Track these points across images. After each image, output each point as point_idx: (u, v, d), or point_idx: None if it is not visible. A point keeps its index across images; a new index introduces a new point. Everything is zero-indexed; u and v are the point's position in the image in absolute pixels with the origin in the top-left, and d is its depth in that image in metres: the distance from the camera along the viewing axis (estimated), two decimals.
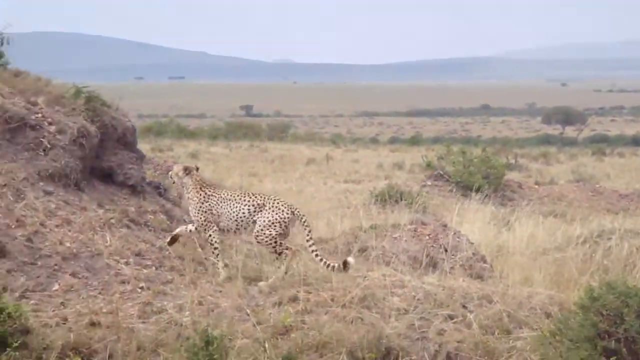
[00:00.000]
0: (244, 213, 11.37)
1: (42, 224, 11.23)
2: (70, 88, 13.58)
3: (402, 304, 10.21)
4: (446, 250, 13.11)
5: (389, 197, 20.39)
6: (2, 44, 16.12)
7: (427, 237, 13.48)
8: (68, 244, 11.06)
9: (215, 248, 11.48)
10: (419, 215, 16.14)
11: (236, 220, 11.40)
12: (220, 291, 10.57)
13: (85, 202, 12.29)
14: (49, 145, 12.54)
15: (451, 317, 9.94)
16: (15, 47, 15.94)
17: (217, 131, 70.35)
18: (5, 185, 11.60)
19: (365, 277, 10.96)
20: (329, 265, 11.22)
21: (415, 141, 72.55)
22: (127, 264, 11.15)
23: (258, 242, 11.35)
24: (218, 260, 11.47)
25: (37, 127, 12.66)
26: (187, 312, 9.83)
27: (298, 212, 11.37)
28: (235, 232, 11.55)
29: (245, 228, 11.42)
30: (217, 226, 11.53)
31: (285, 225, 11.30)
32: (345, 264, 11.22)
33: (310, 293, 10.43)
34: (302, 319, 9.72)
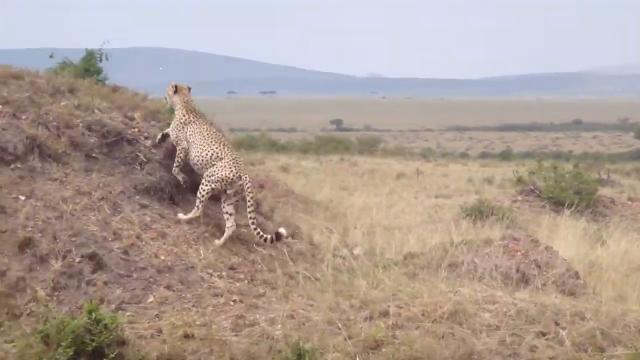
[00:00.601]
0: (205, 156, 12.40)
1: (137, 237, 11.46)
2: (166, 103, 13.83)
3: (494, 320, 10.18)
4: (538, 266, 13.02)
5: (480, 212, 20.31)
6: (100, 60, 16.52)
7: (519, 253, 13.40)
8: (163, 257, 11.27)
9: (178, 165, 12.64)
10: (510, 230, 16.06)
11: (197, 157, 12.48)
12: (312, 305, 10.66)
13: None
14: (144, 159, 12.80)
15: (543, 334, 9.88)
16: (113, 62, 16.32)
17: (307, 145, 70.65)
18: (102, 198, 11.86)
19: (456, 292, 10.96)
20: (262, 236, 12.24)
21: (505, 156, 71.95)
22: (220, 277, 11.31)
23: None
24: (177, 174, 12.64)
25: (134, 141, 12.93)
26: (279, 326, 9.93)
27: (245, 177, 12.35)
28: (194, 165, 12.58)
29: (200, 169, 12.50)
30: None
31: (226, 184, 12.30)
32: (277, 235, 12.30)
33: (401, 308, 10.45)
34: (393, 333, 9.76)
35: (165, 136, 13.01)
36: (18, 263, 10.61)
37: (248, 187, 12.31)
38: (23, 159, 11.95)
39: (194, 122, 12.69)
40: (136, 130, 13.19)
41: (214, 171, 12.33)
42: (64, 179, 12.00)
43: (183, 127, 12.70)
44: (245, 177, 12.35)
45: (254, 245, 12.48)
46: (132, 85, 15.11)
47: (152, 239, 11.60)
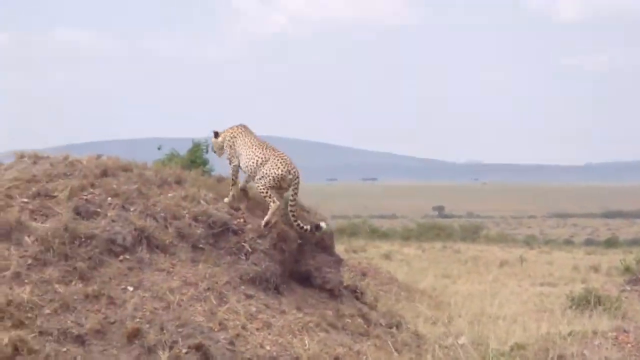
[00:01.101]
0: (251, 164, 13.48)
1: (243, 327, 11.52)
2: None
3: None
4: None
5: (587, 302, 19.92)
6: (206, 151, 16.81)
7: (629, 346, 13.07)
8: (268, 347, 11.30)
9: (233, 184, 13.85)
10: (620, 321, 15.69)
11: (246, 166, 13.59)
12: None
13: (284, 305, 12.55)
14: (250, 250, 12.93)
15: None
16: None
17: (409, 232, 70.34)
18: (208, 289, 11.99)
19: None
20: (301, 227, 13.25)
21: (611, 243, 70.55)
22: None
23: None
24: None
25: (239, 231, 13.08)
26: None
27: (294, 170, 13.33)
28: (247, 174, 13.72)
29: (251, 176, 13.56)
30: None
31: (278, 181, 13.26)
32: (317, 226, 13.36)
33: None
34: None
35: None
36: (127, 354, 10.73)
37: (295, 181, 13.28)
38: (131, 250, 12.17)
39: (236, 136, 13.80)
40: (241, 220, 13.35)
41: (265, 174, 13.26)
42: (171, 269, 12.18)
43: (229, 147, 13.91)
44: (295, 172, 13.32)
45: (359, 335, 12.43)
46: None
47: (258, 329, 11.65)
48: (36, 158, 13.83)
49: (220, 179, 14.75)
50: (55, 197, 12.64)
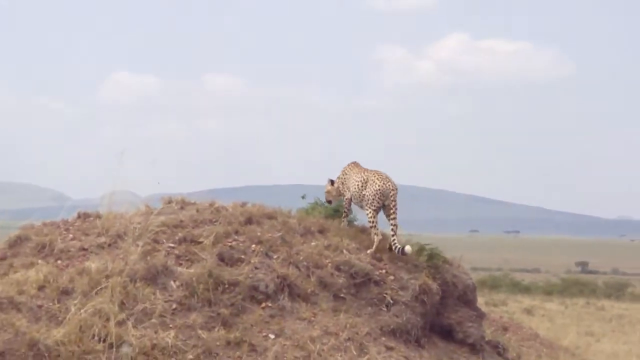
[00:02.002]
0: (354, 190, 14.19)
1: None
2: (414, 245, 13.93)
3: None
4: None
5: None
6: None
7: None
8: None
9: (345, 215, 14.63)
10: None
11: (352, 195, 14.31)
12: None
13: (425, 359, 12.43)
14: (391, 301, 12.88)
15: None
16: None
17: (552, 287, 68.98)
18: (349, 339, 11.96)
19: None
20: (395, 246, 13.56)
21: None
22: None
23: None
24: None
25: (381, 282, 13.06)
26: None
27: (392, 185, 13.84)
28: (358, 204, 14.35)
29: (359, 202, 14.18)
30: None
31: (380, 197, 13.81)
32: (403, 250, 13.48)
33: None
34: None
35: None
36: None
37: (392, 193, 13.79)
38: (274, 297, 12.26)
39: (347, 172, 14.57)
40: (383, 271, 13.33)
41: (367, 194, 13.78)
42: (313, 318, 12.20)
43: (342, 183, 14.63)
44: (391, 185, 13.84)
45: None
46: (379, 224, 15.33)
47: None
48: (183, 204, 14.10)
49: (363, 229, 14.75)
50: (200, 242, 12.84)
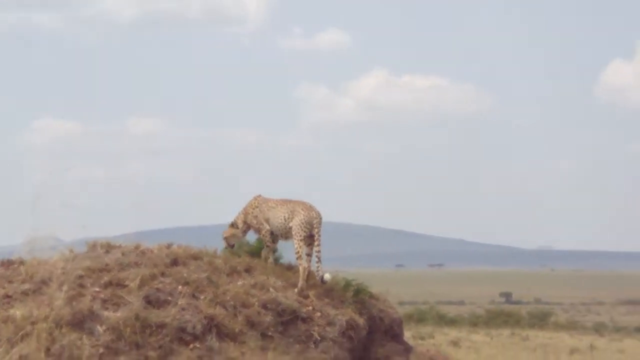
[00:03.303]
0: (279, 222, 14.46)
1: None
2: (340, 281, 14.04)
3: None
4: None
5: None
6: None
7: None
8: None
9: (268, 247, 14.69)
10: None
11: (276, 227, 14.53)
12: None
13: None
14: (319, 338, 12.94)
15: None
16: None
17: (477, 318, 69.53)
18: None
19: None
20: (319, 274, 13.82)
21: None
22: None
23: None
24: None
25: (308, 319, 13.12)
26: None
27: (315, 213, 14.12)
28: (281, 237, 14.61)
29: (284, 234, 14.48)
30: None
31: (306, 227, 14.06)
32: (322, 279, 13.83)
33: None
34: None
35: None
36: None
37: (317, 220, 14.05)
38: (201, 338, 12.25)
39: (258, 206, 14.58)
40: (310, 308, 13.39)
41: (293, 225, 13.99)
42: (241, 358, 12.22)
43: (254, 218, 14.64)
44: (316, 213, 14.10)
45: None
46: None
47: None
48: (108, 247, 14.03)
49: (289, 267, 14.81)
50: (126, 286, 12.79)
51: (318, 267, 13.96)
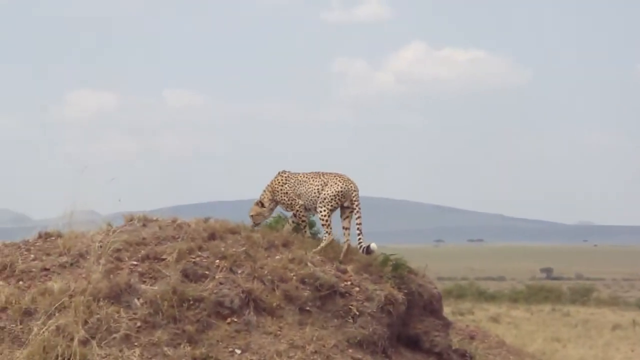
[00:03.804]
0: (311, 193, 14.20)
1: None
2: (379, 256, 13.93)
3: None
4: None
5: None
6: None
7: None
8: None
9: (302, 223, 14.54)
10: None
11: (307, 200, 14.31)
12: None
13: None
14: (357, 313, 12.86)
15: None
16: None
17: (517, 294, 69.18)
18: (316, 352, 11.93)
19: None
20: (361, 245, 13.82)
21: None
22: None
23: None
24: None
25: (346, 294, 13.03)
26: None
27: (353, 186, 14.00)
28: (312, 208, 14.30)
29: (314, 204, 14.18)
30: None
31: (340, 198, 13.95)
32: (368, 248, 13.76)
33: None
34: None
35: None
36: None
37: (354, 194, 13.95)
38: (239, 312, 12.21)
39: (286, 182, 14.35)
40: (349, 283, 13.30)
41: (326, 194, 13.86)
42: (279, 332, 12.16)
43: (287, 193, 14.31)
44: (353, 185, 14.00)
45: None
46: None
47: None
48: (145, 221, 14.00)
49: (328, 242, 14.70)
50: (163, 259, 12.77)
51: (360, 239, 13.87)
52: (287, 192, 14.33)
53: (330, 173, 14.21)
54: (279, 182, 14.43)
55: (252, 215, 14.56)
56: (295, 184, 14.29)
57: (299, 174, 14.45)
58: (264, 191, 14.54)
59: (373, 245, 13.82)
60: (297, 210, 14.34)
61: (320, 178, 14.15)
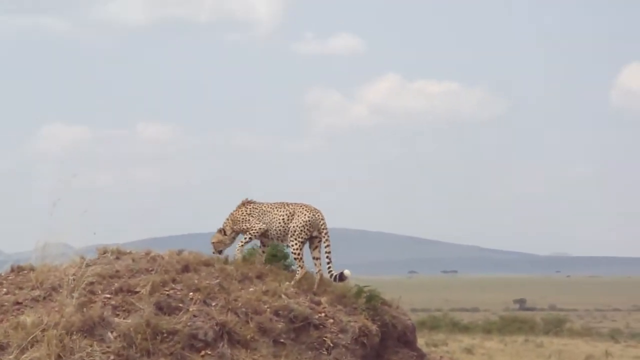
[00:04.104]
0: (279, 223, 14.25)
1: None
2: (352, 287, 13.95)
3: None
4: None
5: None
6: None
7: None
8: None
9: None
10: None
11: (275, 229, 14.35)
12: None
13: None
14: (331, 344, 12.85)
15: None
16: None
17: (491, 325, 69.29)
18: None
19: None
20: (332, 273, 13.88)
21: None
22: None
23: None
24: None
25: (321, 326, 13.03)
26: None
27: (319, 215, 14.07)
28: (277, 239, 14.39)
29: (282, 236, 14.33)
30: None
31: (309, 228, 14.04)
32: (341, 275, 13.86)
33: None
34: None
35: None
36: None
37: (322, 222, 14.07)
38: (213, 345, 12.18)
39: (251, 212, 14.37)
40: (323, 315, 13.30)
41: (294, 226, 13.92)
42: None
43: (247, 222, 14.34)
44: (320, 215, 14.10)
45: None
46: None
47: None
48: (118, 254, 13.97)
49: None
50: (137, 292, 12.73)
51: (330, 267, 13.97)
52: (249, 221, 14.34)
53: (295, 203, 14.27)
54: (242, 213, 14.46)
55: (213, 242, 14.60)
56: (259, 214, 14.33)
57: (263, 203, 14.49)
58: (227, 219, 14.58)
59: (347, 272, 13.92)
60: (255, 232, 14.30)
61: (285, 208, 14.20)
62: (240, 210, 14.53)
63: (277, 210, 14.23)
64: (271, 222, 14.22)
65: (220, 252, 14.64)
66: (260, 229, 14.24)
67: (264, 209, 14.37)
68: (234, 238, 14.62)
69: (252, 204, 14.52)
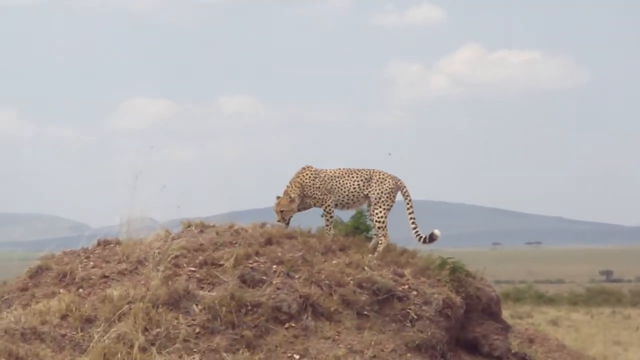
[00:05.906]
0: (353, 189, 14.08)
1: None
2: (436, 259, 13.89)
3: None
4: None
5: None
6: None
7: None
8: None
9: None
10: None
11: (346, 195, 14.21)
12: None
13: None
14: (415, 317, 12.81)
15: None
16: None
17: (576, 297, 68.60)
18: (374, 356, 11.91)
19: None
20: (419, 236, 14.03)
21: None
22: None
23: None
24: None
25: (404, 298, 12.99)
26: None
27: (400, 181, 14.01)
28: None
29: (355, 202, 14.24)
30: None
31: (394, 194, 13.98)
32: (431, 235, 13.99)
33: None
34: None
35: None
36: None
37: (405, 189, 14.09)
38: (297, 317, 12.23)
39: (316, 177, 14.01)
40: (406, 287, 13.25)
41: (380, 192, 13.89)
42: (337, 337, 12.15)
43: (316, 189, 13.98)
44: (400, 181, 14.06)
45: None
46: (400, 240, 15.21)
47: None
48: (202, 227, 14.08)
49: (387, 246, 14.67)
50: (221, 265, 12.83)
51: (417, 231, 14.11)
52: (319, 187, 14.03)
53: (368, 169, 14.14)
54: (308, 177, 14.05)
55: (282, 211, 14.06)
56: (327, 180, 14.07)
57: (326, 169, 14.24)
58: (291, 185, 14.04)
59: (436, 232, 14.02)
60: (328, 206, 14.09)
61: (357, 174, 14.04)
62: (305, 174, 14.05)
63: (348, 176, 14.05)
64: (342, 188, 14.04)
65: (287, 221, 14.23)
66: (333, 201, 14.07)
67: (329, 174, 14.12)
68: (298, 205, 14.25)
69: (314, 169, 14.14)
